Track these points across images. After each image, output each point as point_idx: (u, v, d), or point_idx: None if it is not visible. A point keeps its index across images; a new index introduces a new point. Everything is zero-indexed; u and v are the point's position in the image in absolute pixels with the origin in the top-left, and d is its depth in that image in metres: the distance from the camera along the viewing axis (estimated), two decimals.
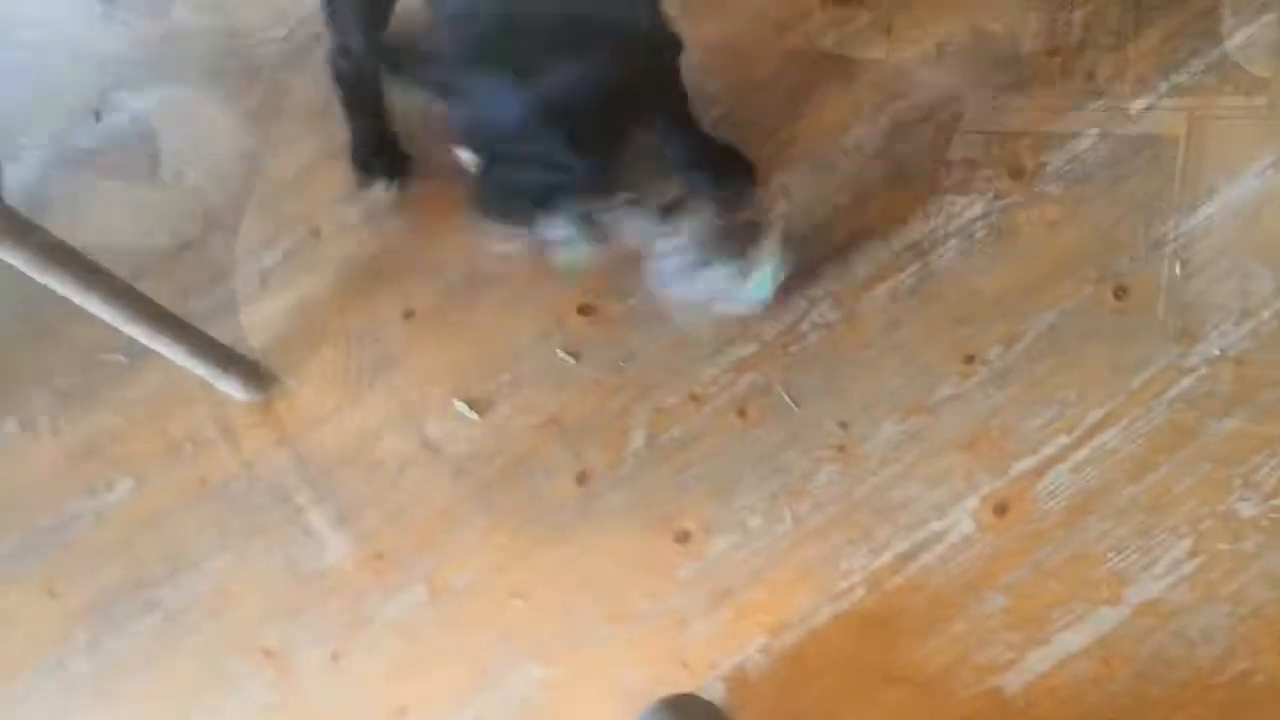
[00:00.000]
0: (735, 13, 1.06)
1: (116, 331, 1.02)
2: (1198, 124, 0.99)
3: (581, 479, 0.97)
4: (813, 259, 1.00)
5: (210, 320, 0.99)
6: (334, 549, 0.96)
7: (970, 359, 0.97)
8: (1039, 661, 0.90)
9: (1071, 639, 0.90)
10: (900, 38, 1.05)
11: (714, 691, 0.91)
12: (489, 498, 0.97)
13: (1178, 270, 0.97)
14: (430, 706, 0.92)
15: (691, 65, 0.94)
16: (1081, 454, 0.94)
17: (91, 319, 1.02)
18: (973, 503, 0.94)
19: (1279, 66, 0.99)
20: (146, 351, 1.02)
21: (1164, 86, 1.00)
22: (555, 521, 0.96)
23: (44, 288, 1.01)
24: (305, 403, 1.01)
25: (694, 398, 0.98)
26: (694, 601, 0.93)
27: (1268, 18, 1.00)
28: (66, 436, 1.01)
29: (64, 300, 1.01)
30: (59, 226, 0.85)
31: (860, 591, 0.93)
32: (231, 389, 1.00)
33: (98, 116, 1.10)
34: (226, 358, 0.97)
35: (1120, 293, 0.98)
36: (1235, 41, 1.00)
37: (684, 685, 0.91)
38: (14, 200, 0.82)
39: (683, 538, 0.95)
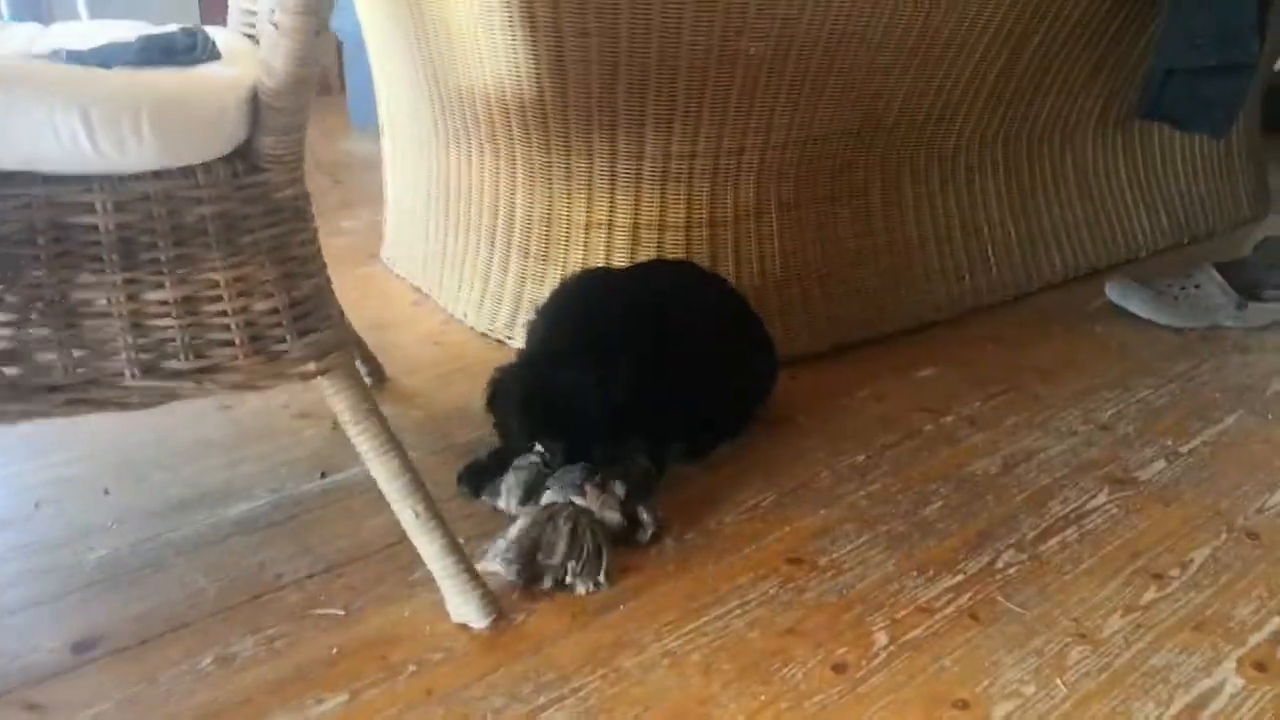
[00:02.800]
0: None
1: (331, 590, 1.03)
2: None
3: (838, 669, 0.93)
4: (982, 526, 1.14)
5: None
6: None
7: (1158, 576, 1.07)
8: None
9: None
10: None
11: None
12: (743, 688, 0.90)
13: None
14: None
15: None
16: None
17: (305, 585, 1.03)
18: (1230, 664, 0.95)
19: None
20: (365, 605, 1.01)
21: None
22: (822, 701, 0.89)
23: (265, 557, 1.06)
24: (532, 629, 0.97)
25: (923, 610, 1.01)
26: None
27: None
28: (270, 669, 0.92)
29: (280, 572, 1.05)
30: None
31: None
32: (467, 612, 0.97)
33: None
34: (473, 577, 0.98)
35: (1253, 536, 1.13)
36: None
37: None
38: None
39: (962, 705, 0.89)
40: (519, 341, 1.55)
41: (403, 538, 1.09)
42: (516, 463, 1.15)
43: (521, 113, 1.44)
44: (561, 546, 1.02)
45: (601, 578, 1.02)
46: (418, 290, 1.78)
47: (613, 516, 1.08)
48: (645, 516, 1.09)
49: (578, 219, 1.48)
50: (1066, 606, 1.02)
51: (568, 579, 1.02)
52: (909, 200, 1.66)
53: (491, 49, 1.40)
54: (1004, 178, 1.79)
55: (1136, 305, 1.70)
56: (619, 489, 1.09)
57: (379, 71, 1.83)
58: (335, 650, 0.95)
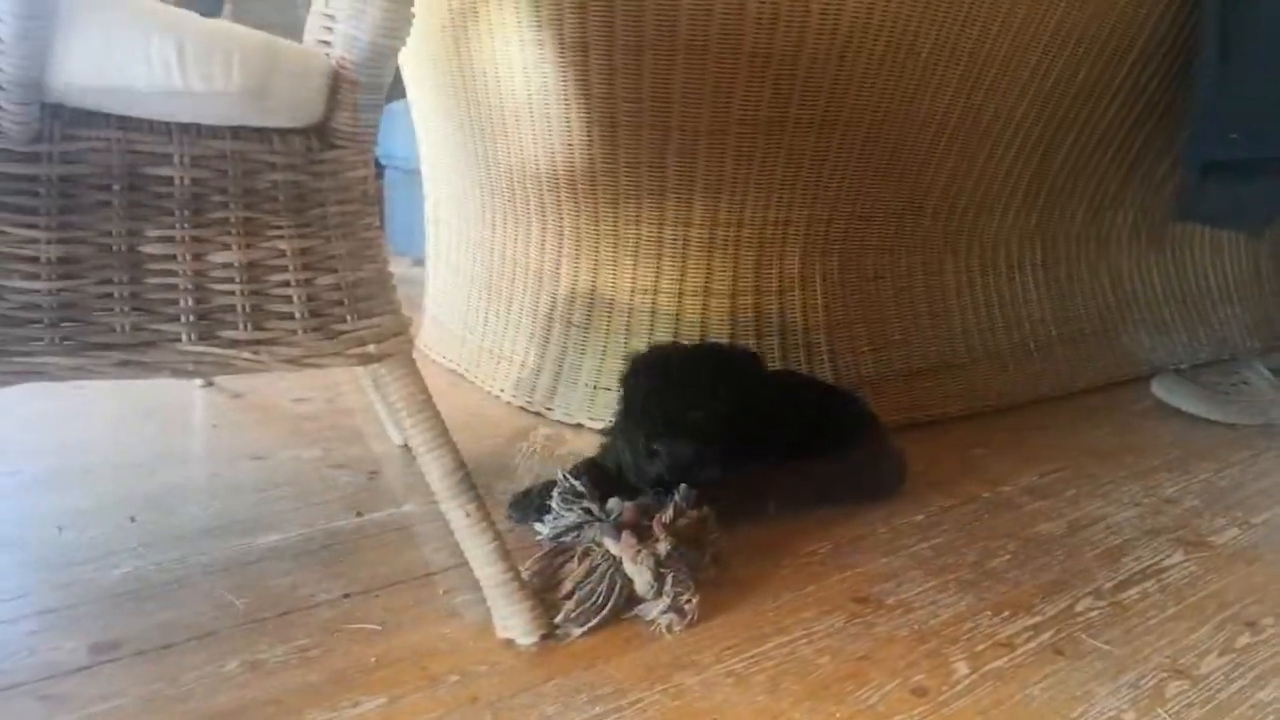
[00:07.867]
0: None
1: (367, 608, 0.96)
2: None
3: (918, 693, 0.85)
4: (1055, 576, 1.08)
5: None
6: None
7: (1251, 624, 0.99)
8: None
9: None
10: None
11: None
12: (815, 706, 0.82)
13: None
14: None
15: None
16: None
17: (339, 603, 0.97)
18: None
19: None
20: (403, 621, 0.94)
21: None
22: None
23: (296, 579, 1.00)
24: (583, 648, 0.90)
25: (1003, 644, 0.94)
26: None
27: None
28: (301, 674, 0.84)
29: (312, 592, 0.99)
30: None
31: None
32: (514, 625, 0.90)
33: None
34: (523, 587, 0.91)
35: None
36: None
37: None
38: None
39: None
40: (558, 414, 1.52)
41: (443, 568, 1.04)
42: (562, 498, 1.09)
43: (571, 183, 1.47)
44: (566, 586, 0.97)
45: (574, 630, 0.93)
46: (454, 373, 1.76)
47: (641, 574, 0.99)
48: (668, 589, 0.97)
49: (623, 286, 1.48)
50: (1157, 646, 0.95)
51: (557, 619, 0.94)
52: (951, 287, 1.67)
53: (545, 123, 1.44)
54: (1043, 276, 1.80)
55: (1185, 401, 1.67)
56: (661, 548, 1.01)
57: (427, 165, 1.88)
58: (373, 660, 0.87)
